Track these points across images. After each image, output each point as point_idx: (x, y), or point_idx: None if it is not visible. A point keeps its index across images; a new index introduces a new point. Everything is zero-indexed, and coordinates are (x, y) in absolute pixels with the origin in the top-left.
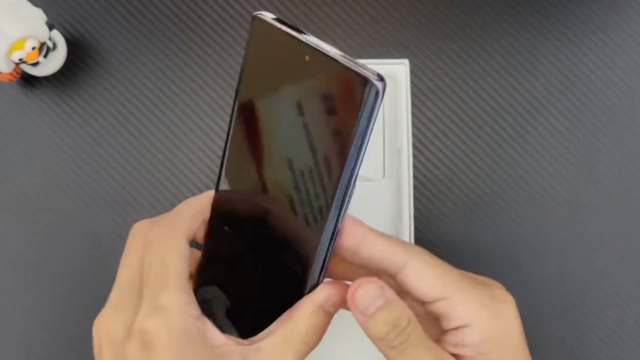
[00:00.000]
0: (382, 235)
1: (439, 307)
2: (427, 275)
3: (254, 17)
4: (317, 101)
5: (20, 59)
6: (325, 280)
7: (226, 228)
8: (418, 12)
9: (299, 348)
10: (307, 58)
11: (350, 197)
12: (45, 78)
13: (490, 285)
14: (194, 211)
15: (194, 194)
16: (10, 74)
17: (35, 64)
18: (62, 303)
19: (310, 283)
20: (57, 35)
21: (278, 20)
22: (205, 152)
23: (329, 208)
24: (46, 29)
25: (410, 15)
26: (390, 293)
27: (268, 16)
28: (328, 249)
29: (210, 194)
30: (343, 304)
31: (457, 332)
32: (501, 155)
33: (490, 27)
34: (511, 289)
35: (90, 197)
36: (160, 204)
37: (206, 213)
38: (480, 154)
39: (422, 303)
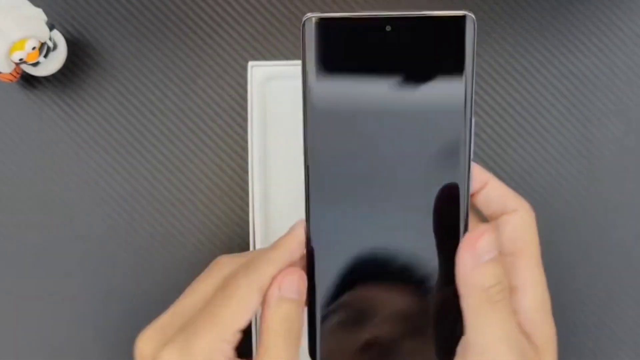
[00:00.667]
0: (500, 182)
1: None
2: (521, 230)
3: (309, 20)
4: (419, 60)
5: (20, 59)
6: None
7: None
8: None
9: None
10: (388, 28)
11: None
12: (45, 78)
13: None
14: (284, 256)
15: (194, 194)
16: (11, 74)
17: (35, 64)
18: (62, 305)
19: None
20: (57, 35)
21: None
22: (205, 152)
23: (465, 153)
24: (46, 29)
25: None
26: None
27: (320, 15)
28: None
29: (300, 234)
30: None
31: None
32: (501, 155)
33: (489, 27)
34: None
35: (90, 196)
36: (161, 204)
37: (296, 255)
38: (480, 154)
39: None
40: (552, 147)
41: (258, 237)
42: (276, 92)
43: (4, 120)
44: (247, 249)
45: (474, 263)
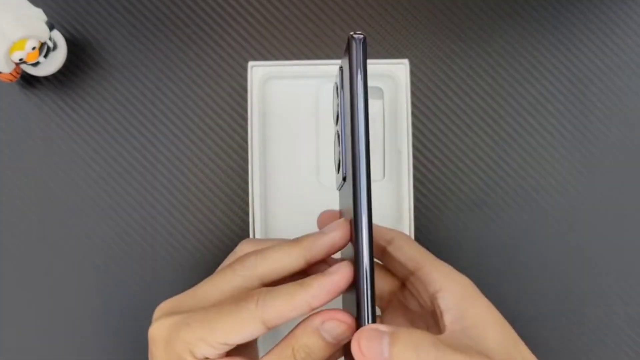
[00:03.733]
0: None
1: (419, 278)
2: (408, 250)
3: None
4: None
5: (20, 59)
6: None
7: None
8: (418, 12)
9: None
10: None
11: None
12: (45, 78)
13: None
14: (306, 299)
15: (194, 193)
16: (11, 74)
17: (35, 64)
18: (61, 305)
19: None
20: (57, 35)
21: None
22: (205, 151)
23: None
24: (46, 29)
25: (410, 15)
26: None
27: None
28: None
29: (339, 282)
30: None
31: (439, 299)
32: (501, 155)
33: (490, 27)
34: (511, 288)
35: (90, 196)
36: (161, 204)
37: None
38: (480, 154)
39: (409, 275)
40: (551, 146)
41: (258, 236)
42: (276, 92)
43: (4, 120)
44: None
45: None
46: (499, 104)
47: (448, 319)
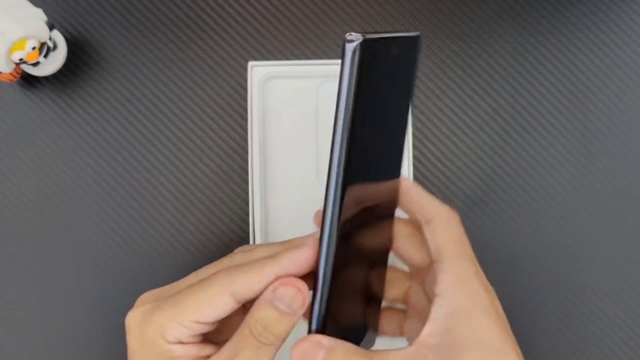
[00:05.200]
0: (419, 189)
1: (433, 271)
2: (440, 237)
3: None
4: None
5: (20, 59)
6: None
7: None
8: (418, 12)
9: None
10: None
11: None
12: (45, 78)
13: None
14: (273, 270)
15: (194, 193)
16: (11, 74)
17: (35, 64)
18: (61, 305)
19: None
20: (57, 35)
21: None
22: (205, 151)
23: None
24: (46, 29)
25: (410, 15)
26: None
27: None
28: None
29: (306, 256)
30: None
31: (434, 304)
32: (501, 155)
33: (490, 27)
34: (511, 288)
35: (90, 196)
36: (160, 203)
37: (291, 271)
38: (480, 153)
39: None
40: (551, 146)
41: (258, 236)
42: (276, 92)
43: (4, 120)
44: None
45: None
46: (499, 104)
47: (428, 329)
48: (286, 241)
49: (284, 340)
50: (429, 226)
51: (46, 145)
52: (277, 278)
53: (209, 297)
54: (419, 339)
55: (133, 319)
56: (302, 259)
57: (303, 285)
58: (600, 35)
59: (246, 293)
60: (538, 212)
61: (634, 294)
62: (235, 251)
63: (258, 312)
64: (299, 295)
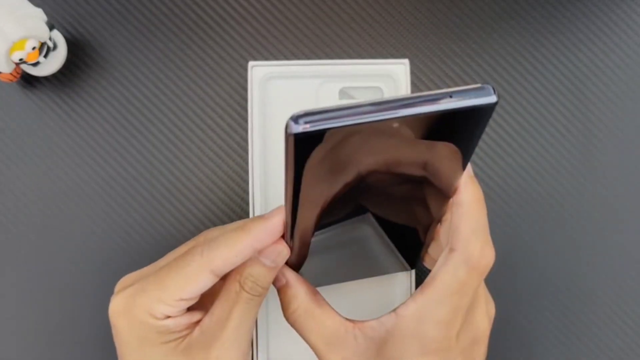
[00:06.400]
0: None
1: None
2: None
3: (300, 134)
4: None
5: (20, 59)
6: None
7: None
8: (418, 12)
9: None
10: (395, 125)
11: None
12: (45, 78)
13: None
14: (248, 243)
15: (194, 194)
16: (11, 74)
17: (35, 64)
18: (61, 305)
19: None
20: (57, 35)
21: (310, 116)
22: (205, 151)
23: None
24: (46, 29)
25: (410, 15)
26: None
27: (305, 125)
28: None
29: (275, 224)
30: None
31: (424, 288)
32: (500, 155)
33: (490, 27)
34: (509, 289)
35: (90, 196)
36: (160, 203)
37: (263, 244)
38: (479, 153)
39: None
40: (551, 146)
41: None
42: (276, 92)
43: (4, 120)
44: None
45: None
46: (499, 104)
47: (403, 310)
48: (244, 227)
49: (268, 289)
50: (454, 208)
51: (46, 145)
52: (254, 252)
53: (189, 275)
54: (392, 317)
55: (117, 305)
56: (274, 228)
57: (282, 242)
58: (600, 35)
59: (224, 267)
60: (537, 212)
61: (635, 294)
62: (206, 231)
63: (248, 270)
64: (283, 251)
